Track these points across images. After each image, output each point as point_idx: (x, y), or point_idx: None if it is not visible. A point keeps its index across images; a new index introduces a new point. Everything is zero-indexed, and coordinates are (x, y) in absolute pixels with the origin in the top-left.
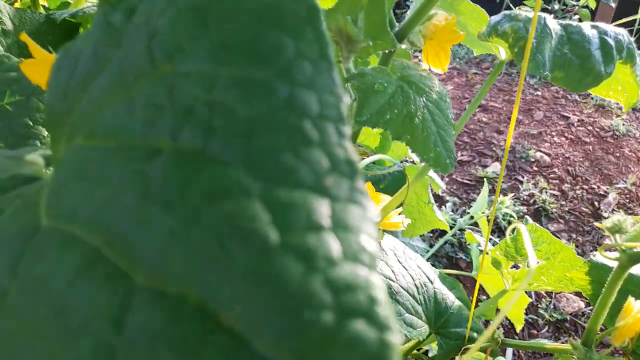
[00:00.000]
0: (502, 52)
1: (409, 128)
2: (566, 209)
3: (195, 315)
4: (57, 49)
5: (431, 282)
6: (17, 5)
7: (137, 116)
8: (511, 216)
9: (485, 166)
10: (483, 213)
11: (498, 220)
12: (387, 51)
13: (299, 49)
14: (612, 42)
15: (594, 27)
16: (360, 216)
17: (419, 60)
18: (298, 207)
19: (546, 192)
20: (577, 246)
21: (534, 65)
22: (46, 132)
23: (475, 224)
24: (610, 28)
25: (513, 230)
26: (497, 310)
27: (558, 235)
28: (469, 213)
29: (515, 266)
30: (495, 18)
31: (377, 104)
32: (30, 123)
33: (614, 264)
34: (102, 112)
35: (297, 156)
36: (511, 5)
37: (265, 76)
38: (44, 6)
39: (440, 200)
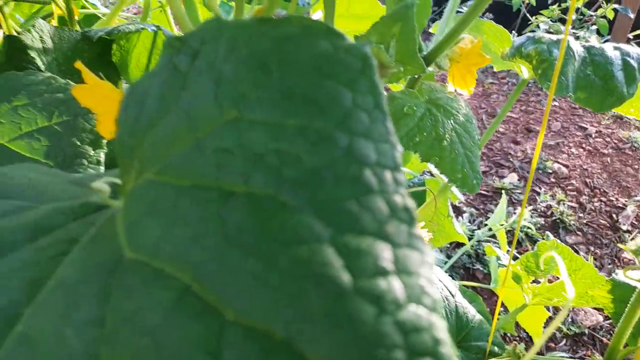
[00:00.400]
0: (525, 71)
1: (438, 150)
2: (584, 221)
3: (283, 351)
4: (92, 65)
5: (452, 296)
6: (53, 22)
7: (209, 159)
8: (529, 228)
9: (502, 177)
10: (502, 225)
11: (515, 231)
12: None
13: (355, 100)
14: (634, 64)
15: (616, 48)
16: (419, 261)
17: (443, 80)
18: (365, 253)
19: (564, 204)
20: (595, 259)
21: (558, 87)
22: (92, 152)
23: (493, 236)
24: (633, 49)
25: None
26: (517, 324)
27: (576, 247)
28: (486, 224)
29: (535, 280)
30: (519, 40)
31: (407, 127)
32: (78, 143)
33: (638, 284)
34: (172, 151)
35: (360, 204)
36: (528, 15)
37: (327, 126)
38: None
39: (457, 211)
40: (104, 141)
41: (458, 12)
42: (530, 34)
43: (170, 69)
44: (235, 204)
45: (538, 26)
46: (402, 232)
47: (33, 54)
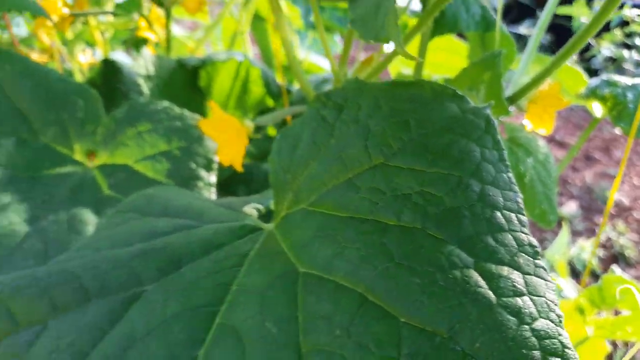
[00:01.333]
0: (597, 109)
1: (525, 187)
2: None
3: (448, 346)
4: (184, 89)
5: None
6: (152, 51)
7: (363, 196)
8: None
9: (559, 204)
10: (561, 256)
11: (573, 262)
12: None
13: (484, 154)
14: None
15: None
16: (544, 286)
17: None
18: (504, 278)
19: (624, 236)
20: None
21: (637, 131)
22: (205, 174)
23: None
24: None
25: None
26: None
27: (637, 282)
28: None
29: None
30: (595, 82)
31: None
32: (194, 166)
33: None
34: (326, 187)
35: (495, 239)
36: (592, 42)
37: (462, 175)
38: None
39: None
40: (216, 165)
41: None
42: (605, 77)
43: (318, 119)
44: (392, 234)
45: (600, 51)
46: (529, 263)
47: (140, 80)
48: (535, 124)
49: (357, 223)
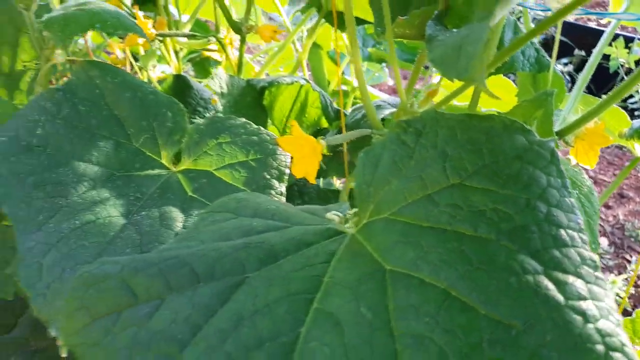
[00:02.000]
0: (638, 149)
1: None
2: None
3: (523, 337)
4: (251, 107)
5: None
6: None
7: (442, 210)
8: (619, 296)
9: None
10: None
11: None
12: None
13: (549, 181)
14: None
15: None
16: (603, 293)
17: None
18: (569, 284)
19: None
20: None
21: None
22: (277, 184)
23: None
24: None
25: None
26: None
27: None
28: None
29: None
30: (637, 123)
31: None
32: (267, 176)
33: None
34: (406, 201)
35: (560, 253)
36: (626, 77)
37: (530, 198)
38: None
39: None
40: (286, 177)
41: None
42: None
43: (399, 143)
44: (470, 243)
45: (638, 91)
46: (590, 274)
47: (217, 97)
48: (580, 159)
49: (438, 232)
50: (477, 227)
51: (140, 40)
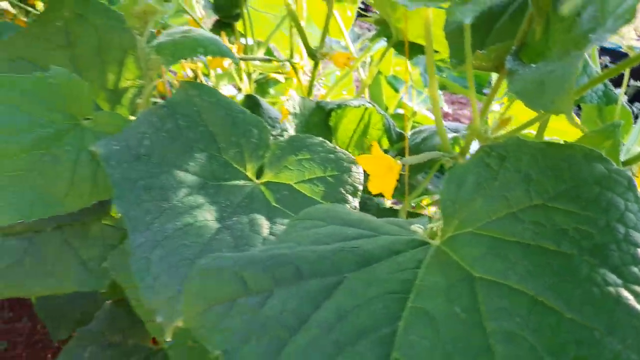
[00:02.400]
0: None
1: None
2: None
3: (601, 339)
4: (318, 127)
5: None
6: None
7: (527, 227)
8: None
9: None
10: None
11: None
12: None
13: (627, 205)
14: None
15: None
16: None
17: None
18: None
19: None
20: None
21: None
22: (351, 199)
23: None
24: None
25: None
26: None
27: None
28: None
29: None
30: None
31: None
32: (343, 191)
33: None
34: (490, 218)
35: (639, 269)
36: None
37: (609, 220)
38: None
39: None
40: (360, 193)
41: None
42: None
43: (482, 165)
44: (554, 257)
45: None
46: None
47: (291, 117)
48: None
49: (523, 246)
50: (559, 243)
51: (226, 63)
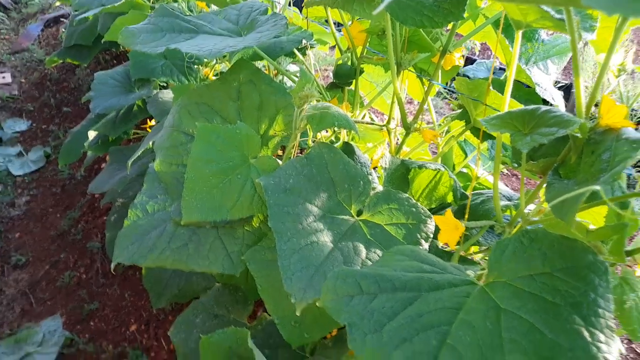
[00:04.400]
0: None
1: (620, 308)
2: None
3: (567, 352)
4: (399, 180)
5: None
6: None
7: (537, 284)
8: None
9: None
10: None
11: None
12: None
13: (600, 282)
14: None
15: None
16: (612, 342)
17: None
18: (596, 334)
19: None
20: None
21: None
22: (424, 243)
23: None
24: None
25: None
26: None
27: None
28: None
29: None
30: None
31: None
32: (419, 237)
33: None
34: (517, 275)
35: (596, 320)
36: None
37: (587, 289)
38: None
39: None
40: (430, 239)
41: None
42: None
43: (518, 241)
44: (549, 304)
45: None
46: (608, 333)
47: (382, 170)
48: None
49: (533, 295)
50: (554, 297)
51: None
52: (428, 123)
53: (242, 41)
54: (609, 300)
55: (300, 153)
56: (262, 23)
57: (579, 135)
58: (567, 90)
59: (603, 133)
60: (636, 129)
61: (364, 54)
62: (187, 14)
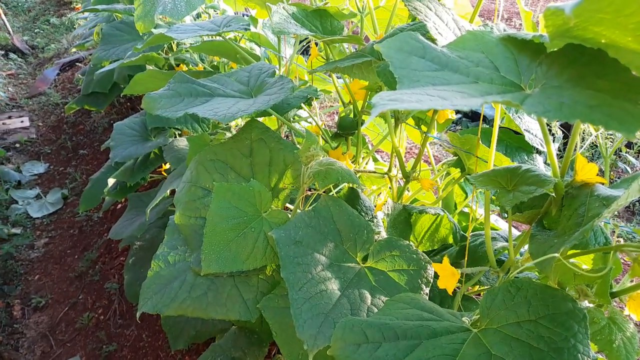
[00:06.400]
0: None
1: (609, 347)
2: None
3: None
4: (401, 224)
5: None
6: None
7: (523, 331)
8: None
9: None
10: None
11: None
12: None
13: (579, 329)
14: None
15: None
16: None
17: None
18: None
19: None
20: None
21: None
22: (425, 288)
23: None
24: None
25: None
26: None
27: None
28: None
29: None
30: None
31: (593, 329)
32: (419, 282)
33: None
34: (507, 322)
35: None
36: None
37: (567, 335)
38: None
39: None
40: (430, 284)
41: None
42: None
43: (507, 290)
44: (533, 349)
45: None
46: None
47: (384, 216)
48: (632, 311)
49: (519, 341)
50: (538, 343)
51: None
52: (429, 164)
53: (253, 104)
54: (587, 345)
55: (310, 192)
56: (270, 85)
57: (553, 194)
58: (566, 126)
59: (579, 188)
60: (609, 185)
61: (365, 107)
62: (199, 66)
